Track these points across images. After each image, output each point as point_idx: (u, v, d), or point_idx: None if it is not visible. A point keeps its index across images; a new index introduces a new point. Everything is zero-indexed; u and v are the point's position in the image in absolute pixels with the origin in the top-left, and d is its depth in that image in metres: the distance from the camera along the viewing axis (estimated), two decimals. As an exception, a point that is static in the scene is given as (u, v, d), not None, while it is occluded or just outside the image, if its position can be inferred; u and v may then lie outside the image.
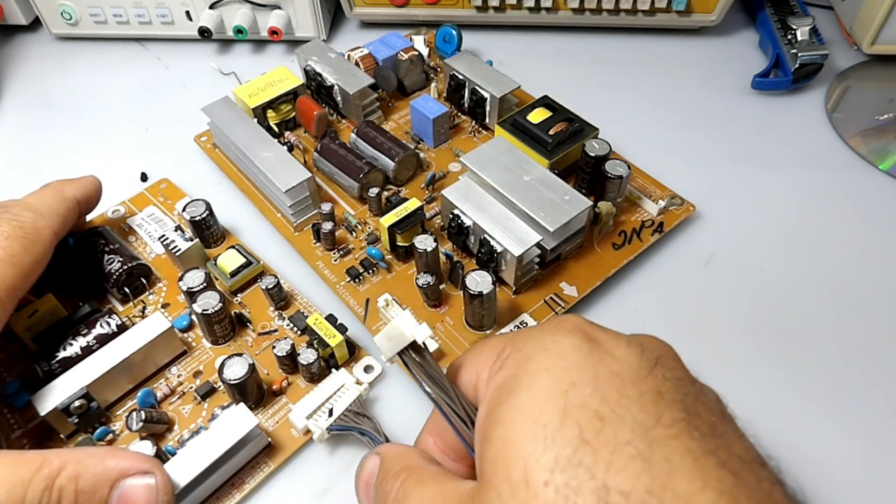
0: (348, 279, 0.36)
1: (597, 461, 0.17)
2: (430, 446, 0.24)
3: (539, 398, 0.19)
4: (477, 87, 0.43)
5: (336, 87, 0.43)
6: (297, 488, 0.29)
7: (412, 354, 0.24)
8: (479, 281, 0.31)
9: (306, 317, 0.33)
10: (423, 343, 0.24)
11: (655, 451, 0.17)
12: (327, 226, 0.36)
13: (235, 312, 0.34)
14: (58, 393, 0.29)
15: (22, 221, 0.29)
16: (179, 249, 0.35)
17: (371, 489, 0.23)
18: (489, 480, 0.18)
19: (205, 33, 0.51)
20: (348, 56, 0.46)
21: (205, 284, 0.33)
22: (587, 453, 0.17)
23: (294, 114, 0.44)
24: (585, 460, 0.17)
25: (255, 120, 0.42)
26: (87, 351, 0.31)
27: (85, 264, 0.35)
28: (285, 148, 0.39)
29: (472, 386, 0.23)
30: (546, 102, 0.40)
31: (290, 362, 0.32)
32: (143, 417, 0.29)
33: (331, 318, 0.33)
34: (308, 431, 0.30)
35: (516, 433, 0.18)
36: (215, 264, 0.35)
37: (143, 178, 0.43)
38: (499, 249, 0.33)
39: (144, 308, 0.35)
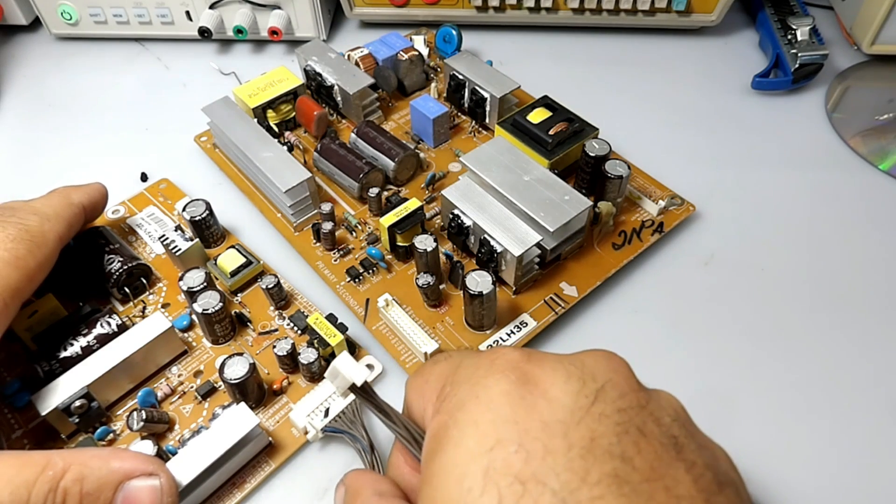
0: (348, 279, 0.36)
1: None
2: (401, 463, 0.24)
3: (464, 457, 0.18)
4: (477, 87, 0.43)
5: (336, 87, 0.43)
6: (298, 488, 0.29)
7: (359, 392, 0.25)
8: (479, 281, 0.31)
9: (306, 316, 0.33)
10: (365, 382, 0.24)
11: None
12: (327, 226, 0.37)
13: (236, 312, 0.34)
14: (58, 393, 0.29)
15: (28, 225, 0.30)
16: (179, 249, 0.35)
17: None
18: None
19: (205, 33, 0.51)
20: (348, 56, 0.46)
21: (205, 284, 0.33)
22: None
23: (294, 114, 0.44)
24: None
25: (255, 120, 0.42)
26: (87, 351, 0.31)
27: (85, 264, 0.35)
28: (285, 148, 0.39)
29: (420, 417, 0.23)
30: (546, 102, 0.40)
31: (290, 362, 0.32)
32: (144, 417, 0.29)
33: (331, 318, 0.33)
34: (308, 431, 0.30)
35: (442, 495, 0.18)
36: (215, 264, 0.35)
37: (143, 178, 0.43)
38: (499, 249, 0.33)
39: (144, 308, 0.35)
